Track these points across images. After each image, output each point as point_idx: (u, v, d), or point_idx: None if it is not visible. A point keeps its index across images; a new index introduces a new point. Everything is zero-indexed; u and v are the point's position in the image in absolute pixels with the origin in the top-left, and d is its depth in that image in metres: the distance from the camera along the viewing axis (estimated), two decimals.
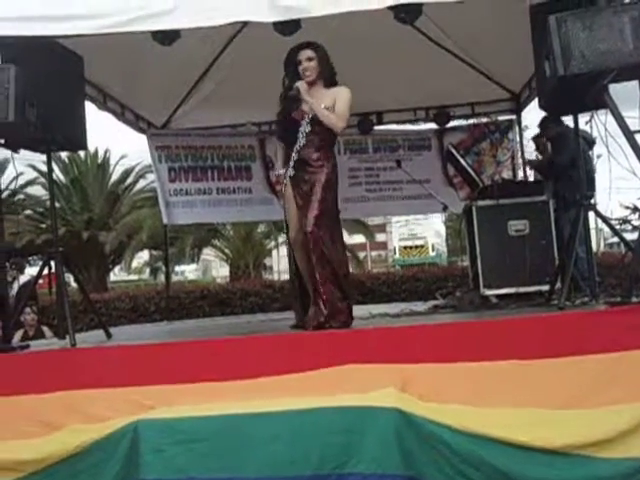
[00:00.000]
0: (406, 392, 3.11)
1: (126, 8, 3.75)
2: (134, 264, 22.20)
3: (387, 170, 7.71)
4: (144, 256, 22.47)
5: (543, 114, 5.66)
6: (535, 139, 6.44)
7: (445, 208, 6.32)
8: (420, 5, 3.96)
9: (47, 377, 3.50)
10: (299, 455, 2.95)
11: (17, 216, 16.51)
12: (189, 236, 16.87)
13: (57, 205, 15.97)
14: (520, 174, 7.59)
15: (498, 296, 5.05)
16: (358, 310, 4.40)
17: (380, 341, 3.43)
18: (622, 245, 4.85)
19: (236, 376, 3.33)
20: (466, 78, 6.88)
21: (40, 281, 5.15)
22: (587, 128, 4.34)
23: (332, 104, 3.96)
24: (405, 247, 33.40)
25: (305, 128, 4.03)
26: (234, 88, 6.70)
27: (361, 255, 26.77)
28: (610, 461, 2.80)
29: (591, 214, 4.21)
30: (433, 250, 32.44)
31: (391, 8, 3.86)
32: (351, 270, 15.08)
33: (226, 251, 19.19)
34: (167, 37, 4.09)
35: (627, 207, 11.05)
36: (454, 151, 7.06)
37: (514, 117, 7.73)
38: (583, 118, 4.24)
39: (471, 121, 8.22)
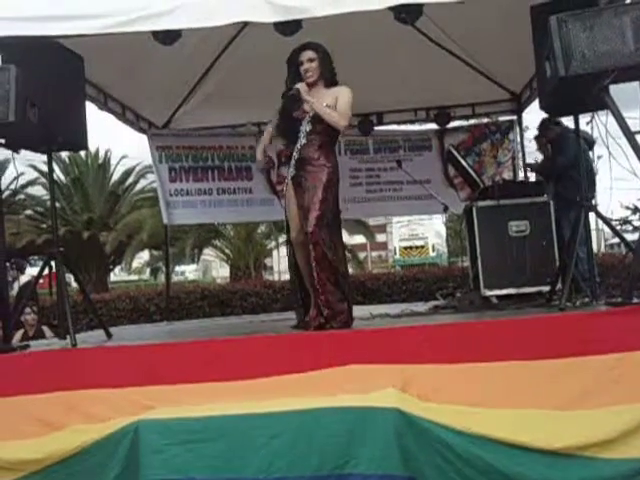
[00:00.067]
0: (406, 392, 3.11)
1: (127, 8, 3.76)
2: (134, 264, 22.22)
3: (388, 170, 7.71)
4: (144, 256, 22.44)
5: (543, 114, 5.66)
6: (537, 138, 6.42)
7: (446, 209, 6.32)
8: (421, 5, 3.97)
9: (47, 377, 3.49)
10: (299, 455, 2.96)
11: (18, 216, 16.55)
12: (189, 236, 16.82)
13: (58, 205, 15.95)
14: (521, 175, 7.57)
15: (499, 297, 5.05)
16: (358, 310, 4.41)
17: (381, 341, 3.42)
18: (623, 246, 4.84)
19: (237, 376, 3.34)
20: (467, 78, 6.86)
21: (40, 281, 5.14)
22: (588, 129, 4.35)
23: (333, 103, 3.94)
24: (405, 247, 33.29)
25: (306, 127, 4.02)
26: (235, 88, 6.70)
27: (361, 255, 26.75)
28: (611, 462, 2.80)
29: (592, 215, 4.22)
30: (433, 251, 32.34)
31: (391, 8, 3.87)
32: (351, 270, 15.27)
33: (226, 251, 19.13)
34: (168, 37, 4.10)
35: (627, 208, 11.10)
36: (455, 152, 7.07)
37: (515, 118, 7.70)
38: (584, 119, 4.25)
39: (472, 121, 8.22)
